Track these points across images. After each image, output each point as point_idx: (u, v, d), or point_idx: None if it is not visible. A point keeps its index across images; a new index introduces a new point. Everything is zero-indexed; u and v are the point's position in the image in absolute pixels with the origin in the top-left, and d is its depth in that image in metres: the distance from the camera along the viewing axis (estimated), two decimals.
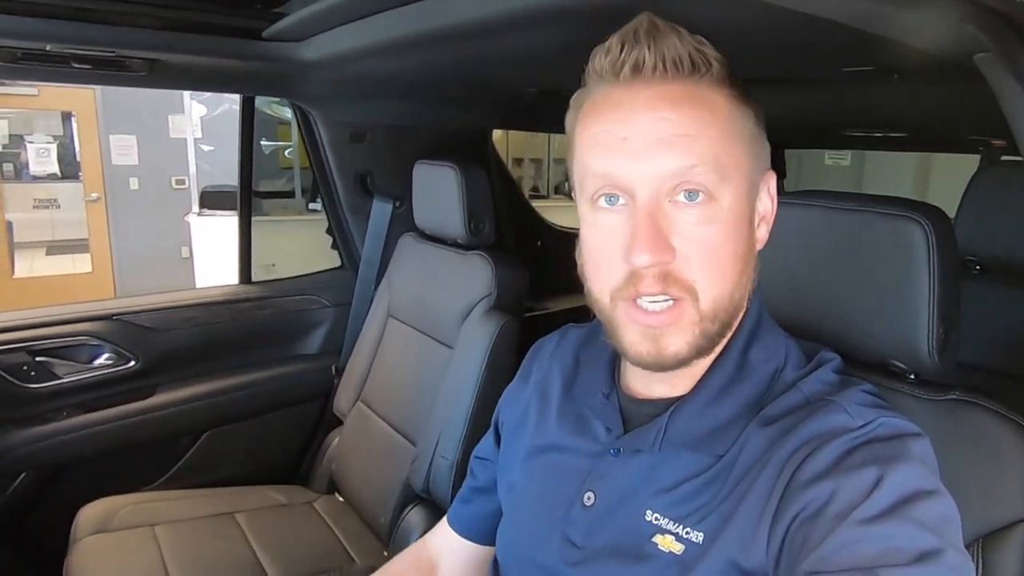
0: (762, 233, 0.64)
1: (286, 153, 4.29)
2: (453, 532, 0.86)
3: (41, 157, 6.18)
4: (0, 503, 1.58)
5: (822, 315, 0.73)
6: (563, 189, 5.74)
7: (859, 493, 0.51)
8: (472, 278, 1.45)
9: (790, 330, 0.68)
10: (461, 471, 1.28)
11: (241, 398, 1.85)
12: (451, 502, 1.28)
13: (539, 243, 2.34)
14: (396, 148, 1.88)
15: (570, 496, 0.67)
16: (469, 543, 0.85)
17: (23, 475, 1.60)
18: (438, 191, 1.54)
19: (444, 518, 0.89)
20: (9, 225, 5.86)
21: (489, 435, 0.86)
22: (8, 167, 6.01)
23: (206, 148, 5.18)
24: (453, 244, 1.56)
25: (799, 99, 1.42)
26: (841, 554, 0.49)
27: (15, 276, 5.83)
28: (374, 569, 1.35)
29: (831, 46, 0.90)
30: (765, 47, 0.93)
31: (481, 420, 1.30)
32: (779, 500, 0.55)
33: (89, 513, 1.49)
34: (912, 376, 0.70)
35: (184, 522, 1.49)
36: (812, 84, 1.32)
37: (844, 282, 0.71)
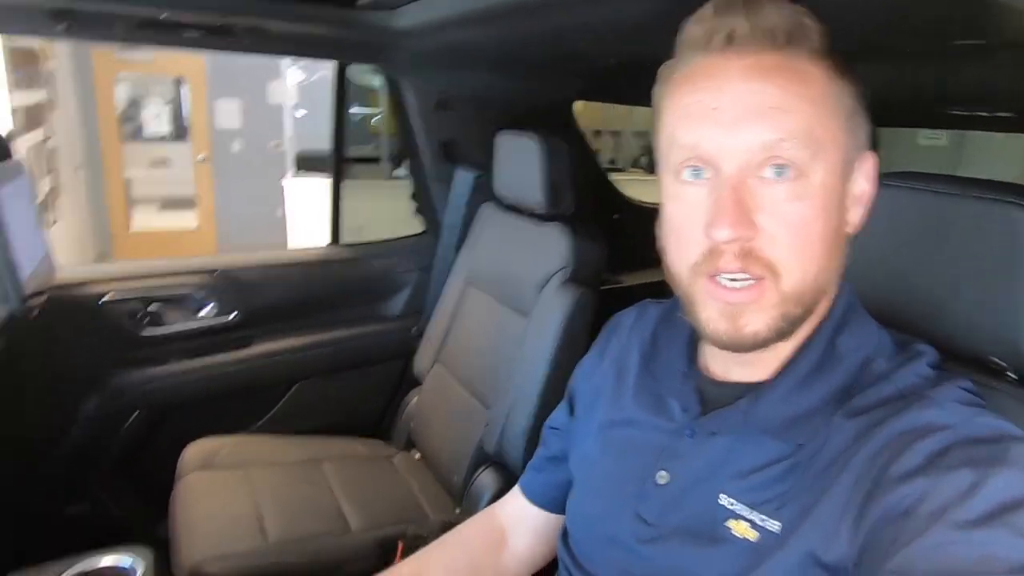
0: (856, 216, 0.60)
1: (373, 120, 4.35)
2: (525, 499, 0.86)
3: (156, 119, 6.49)
4: (117, 438, 1.70)
5: (915, 305, 0.68)
6: (640, 163, 5.59)
7: (955, 494, 0.48)
8: (550, 249, 1.44)
9: (880, 320, 0.64)
10: (533, 438, 1.28)
11: (329, 353, 1.92)
12: (522, 468, 1.28)
13: (616, 216, 2.30)
14: (480, 118, 1.87)
15: (643, 473, 0.66)
16: (540, 511, 0.84)
17: (137, 412, 1.71)
18: (519, 161, 1.53)
19: (516, 486, 0.88)
20: (128, 182, 6.21)
21: (563, 405, 0.84)
22: (127, 128, 6.34)
23: (301, 113, 5.32)
24: (532, 215, 1.55)
25: (896, 74, 1.31)
26: (932, 556, 0.46)
27: (132, 230, 6.20)
28: (447, 525, 1.38)
29: (941, 18, 0.83)
30: (869, 18, 0.86)
31: (554, 390, 1.30)
32: (865, 495, 0.52)
33: (193, 451, 1.58)
34: (1013, 375, 0.64)
35: (276, 465, 1.57)
36: (911, 58, 1.22)
37: (940, 271, 0.66)
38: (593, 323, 1.34)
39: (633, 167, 5.70)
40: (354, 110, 4.21)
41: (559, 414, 0.85)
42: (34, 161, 4.40)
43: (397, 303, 2.03)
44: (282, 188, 5.09)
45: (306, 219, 4.57)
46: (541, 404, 1.31)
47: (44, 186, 4.59)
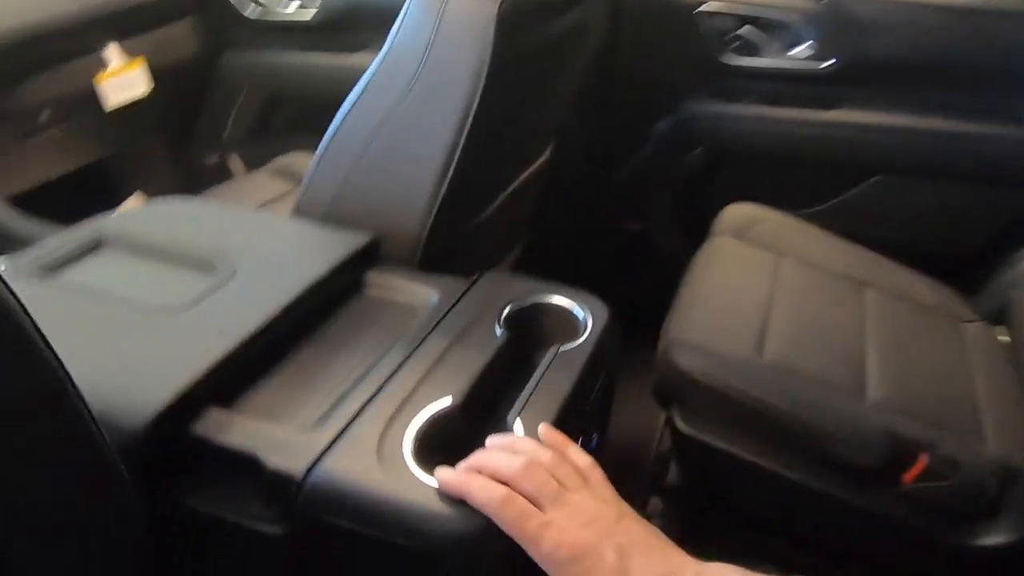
0: None
1: None
2: None
3: None
4: (675, 169, 1.54)
5: None
6: None
7: None
8: None
9: None
10: None
11: (933, 149, 1.34)
12: None
13: None
14: None
15: None
16: None
17: (699, 148, 1.50)
18: None
19: None
20: None
21: None
22: None
23: None
24: None
25: None
26: None
27: None
28: (1008, 470, 0.84)
29: None
30: None
31: None
32: None
33: (731, 213, 1.30)
34: None
35: (812, 267, 1.18)
36: None
37: None
38: None
39: None
40: None
41: None
42: None
43: None
44: None
45: None
46: None
47: None
